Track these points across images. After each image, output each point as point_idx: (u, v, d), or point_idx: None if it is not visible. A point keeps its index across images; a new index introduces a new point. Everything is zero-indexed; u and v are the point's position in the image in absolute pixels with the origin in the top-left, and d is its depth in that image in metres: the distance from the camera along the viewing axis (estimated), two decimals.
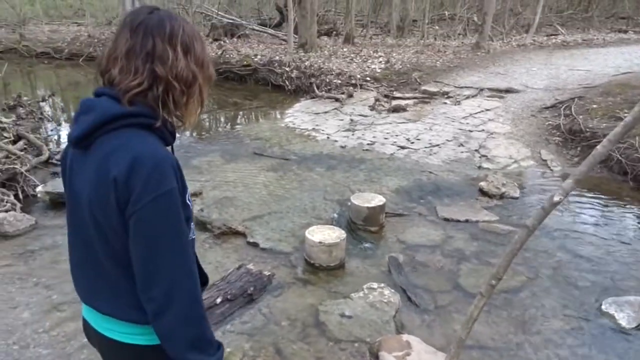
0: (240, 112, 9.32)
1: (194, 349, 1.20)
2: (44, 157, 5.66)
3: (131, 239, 1.14)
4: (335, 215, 4.61)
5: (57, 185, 4.84)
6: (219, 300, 3.13)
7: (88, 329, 1.38)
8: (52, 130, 7.40)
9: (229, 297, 3.17)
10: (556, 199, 1.31)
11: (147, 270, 1.15)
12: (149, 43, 1.16)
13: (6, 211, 4.32)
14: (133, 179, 1.10)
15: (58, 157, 5.79)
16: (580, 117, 7.00)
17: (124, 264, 1.20)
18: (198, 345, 1.21)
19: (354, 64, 11.80)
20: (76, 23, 21.45)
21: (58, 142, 6.87)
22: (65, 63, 14.94)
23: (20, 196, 4.76)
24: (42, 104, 8.63)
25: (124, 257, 1.19)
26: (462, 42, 15.58)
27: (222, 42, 14.56)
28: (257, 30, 16.63)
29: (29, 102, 8.19)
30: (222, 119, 8.91)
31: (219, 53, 12.74)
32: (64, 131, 7.51)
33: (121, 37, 1.18)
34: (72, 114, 8.75)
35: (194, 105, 1.27)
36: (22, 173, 4.91)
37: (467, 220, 4.53)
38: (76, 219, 1.26)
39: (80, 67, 14.25)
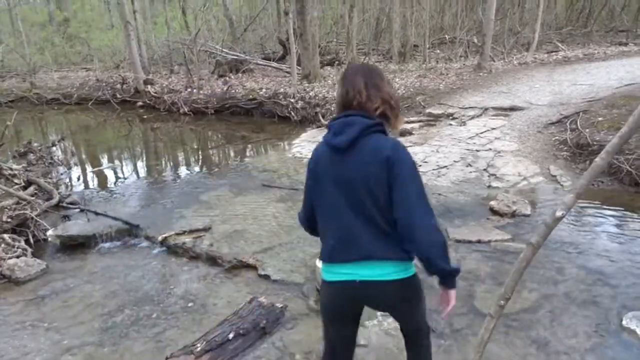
0: (248, 145, 9.41)
1: (444, 259, 1.84)
2: (54, 201, 5.73)
3: (396, 190, 1.80)
4: None
5: (68, 228, 4.90)
6: (231, 335, 3.10)
7: (355, 289, 1.89)
8: (62, 174, 7.51)
9: (241, 331, 3.14)
10: (558, 214, 1.29)
11: (419, 208, 1.80)
12: (374, 80, 1.92)
13: (17, 257, 4.37)
14: (393, 156, 1.81)
15: (69, 200, 5.86)
16: (587, 130, 6.97)
17: (387, 218, 1.84)
18: (446, 257, 1.85)
19: None
20: (85, 68, 21.98)
21: (69, 185, 6.96)
22: (75, 108, 15.27)
23: (32, 241, 4.82)
24: (52, 148, 8.80)
25: (387, 212, 1.83)
26: (464, 64, 15.71)
27: (227, 78, 14.82)
28: (261, 65, 16.92)
29: (39, 147, 8.37)
30: (231, 153, 9.00)
31: (225, 89, 12.96)
32: (75, 174, 7.62)
33: (356, 80, 1.91)
34: (84, 156, 8.95)
35: (399, 116, 2.00)
36: (32, 218, 4.98)
37: (479, 241, 4.48)
38: (347, 196, 1.86)
39: (89, 111, 14.54)
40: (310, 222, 2.09)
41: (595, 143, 6.48)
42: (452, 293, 1.91)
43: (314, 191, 1.99)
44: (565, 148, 6.96)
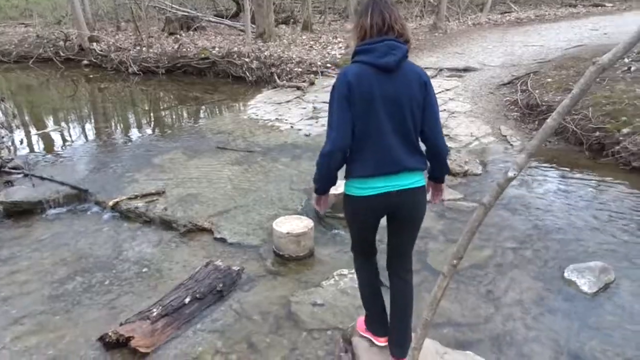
0: (202, 107, 9.16)
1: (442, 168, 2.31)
2: None
3: (426, 106, 2.13)
4: (303, 204, 4.59)
5: (11, 194, 4.66)
6: (187, 299, 3.08)
7: (391, 199, 2.15)
8: (3, 137, 7.09)
9: (198, 295, 3.13)
10: (510, 174, 1.32)
11: (438, 121, 2.19)
12: (399, 13, 2.16)
13: None
14: (428, 82, 2.15)
15: (11, 165, 5.56)
16: (536, 91, 7.16)
17: (416, 134, 2.17)
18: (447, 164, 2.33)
19: (314, 51, 11.74)
20: (23, 24, 20.59)
21: (11, 149, 6.60)
22: (14, 66, 14.35)
23: None
24: None
25: (417, 130, 2.15)
26: (420, 24, 15.69)
27: (178, 36, 14.24)
28: (214, 22, 16.33)
29: None
30: (184, 115, 8.74)
31: (176, 47, 12.46)
32: (17, 137, 7.22)
33: (391, 10, 2.11)
34: (26, 118, 8.46)
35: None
36: None
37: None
38: (393, 114, 2.08)
39: (30, 70, 13.70)
40: (346, 146, 2.10)
41: (544, 104, 6.68)
42: (443, 188, 2.48)
43: (360, 109, 2.06)
44: (516, 109, 7.14)
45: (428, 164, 2.26)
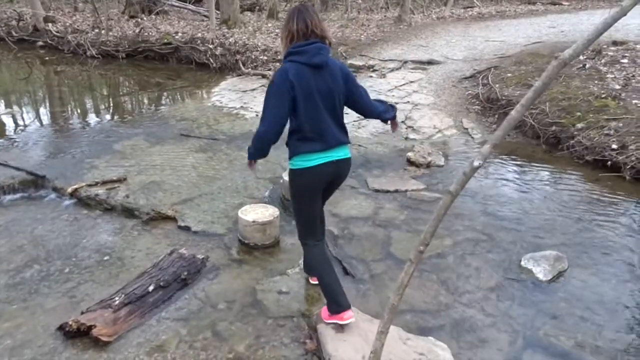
0: (164, 93, 8.96)
1: (392, 111, 2.98)
2: None
3: (353, 90, 2.72)
4: (268, 193, 4.59)
5: None
6: (151, 287, 3.04)
7: (335, 166, 2.68)
8: None
9: (161, 284, 3.09)
10: (476, 163, 1.36)
11: (370, 98, 2.84)
12: (320, 18, 2.63)
13: None
14: (349, 73, 2.71)
15: None
16: (497, 85, 7.36)
17: (342, 115, 2.72)
18: (391, 110, 2.99)
19: (280, 39, 11.64)
20: None
21: None
22: None
23: None
24: None
25: (342, 109, 2.72)
26: (385, 16, 15.79)
27: (139, 20, 13.83)
28: (177, 6, 15.95)
29: None
30: (145, 101, 8.53)
31: (137, 31, 12.10)
32: None
33: (309, 16, 2.56)
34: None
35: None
36: None
37: (396, 190, 4.67)
38: (326, 102, 2.59)
39: None
40: (280, 130, 2.59)
41: (504, 98, 6.87)
42: (397, 119, 3.05)
43: (302, 101, 2.52)
44: (477, 102, 7.32)
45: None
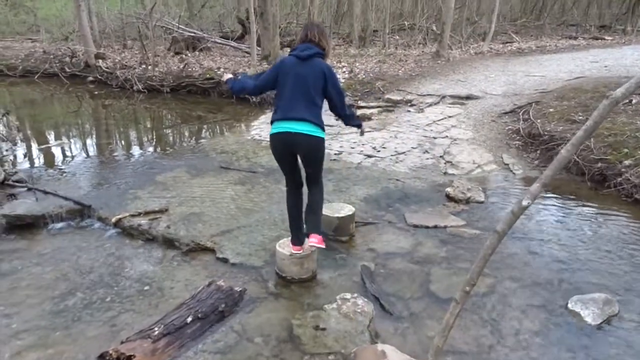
0: (205, 126, 9.22)
1: (355, 120, 3.79)
2: None
3: (331, 89, 3.39)
4: (305, 227, 4.58)
5: (15, 207, 4.66)
6: (189, 319, 3.05)
7: (291, 136, 3.32)
8: (7, 151, 7.12)
9: (199, 315, 3.11)
10: (524, 203, 1.33)
11: (341, 99, 3.52)
12: (322, 32, 3.49)
13: None
14: (327, 72, 3.36)
15: (15, 178, 5.58)
16: (538, 121, 7.23)
17: (319, 104, 3.38)
18: (354, 119, 3.80)
19: None
20: (30, 39, 20.81)
21: (14, 163, 6.62)
22: (20, 80, 14.46)
23: None
24: None
25: (320, 101, 3.38)
26: (423, 51, 15.90)
27: (183, 56, 14.40)
28: (219, 43, 16.54)
29: None
30: (187, 134, 8.79)
31: (181, 67, 12.59)
32: (21, 151, 7.25)
33: (311, 29, 3.46)
34: (30, 132, 8.48)
35: (329, 54, 3.55)
36: None
37: (435, 226, 4.59)
38: (301, 84, 3.31)
39: (35, 84, 13.81)
40: (261, 91, 3.60)
41: (546, 133, 6.74)
42: (362, 126, 3.86)
43: (281, 79, 3.37)
44: (518, 137, 7.20)
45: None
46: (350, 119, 3.72)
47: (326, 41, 3.47)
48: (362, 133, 3.96)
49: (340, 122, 3.92)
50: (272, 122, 3.43)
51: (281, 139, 3.37)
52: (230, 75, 3.75)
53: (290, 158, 3.50)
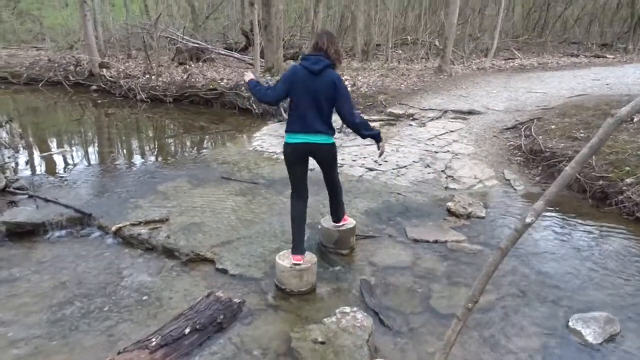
0: (207, 137, 9.24)
1: (368, 129, 3.78)
2: (0, 186, 5.44)
3: (340, 100, 3.56)
4: (306, 239, 4.57)
5: (16, 215, 4.66)
6: (187, 330, 3.03)
7: (307, 146, 3.63)
8: (9, 158, 7.13)
9: (198, 327, 3.08)
10: (528, 220, 1.33)
11: (350, 109, 3.62)
12: (333, 40, 3.62)
13: None
14: (338, 83, 3.53)
15: (16, 185, 5.58)
16: (540, 137, 7.24)
17: (329, 113, 3.61)
18: (370, 128, 3.81)
19: None
20: (36, 48, 20.98)
21: (16, 170, 6.62)
22: (24, 88, 14.55)
23: None
24: None
25: (330, 109, 3.60)
26: (425, 66, 15.99)
27: (187, 67, 14.49)
28: (223, 55, 16.65)
29: None
30: (189, 144, 8.81)
31: (185, 77, 12.66)
32: (23, 158, 7.27)
33: (324, 38, 3.60)
34: (32, 140, 8.52)
35: (341, 63, 3.72)
36: None
37: (436, 241, 4.58)
38: (314, 98, 3.52)
39: (39, 92, 13.89)
40: (277, 102, 3.75)
41: (548, 150, 6.74)
42: (382, 144, 3.90)
43: (295, 90, 3.55)
44: (520, 153, 7.20)
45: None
46: (363, 128, 3.75)
47: (335, 49, 3.58)
48: (381, 153, 3.96)
49: (342, 135, 3.95)
50: (287, 132, 3.67)
51: (297, 148, 3.64)
52: (252, 77, 3.82)
53: (302, 163, 3.75)
